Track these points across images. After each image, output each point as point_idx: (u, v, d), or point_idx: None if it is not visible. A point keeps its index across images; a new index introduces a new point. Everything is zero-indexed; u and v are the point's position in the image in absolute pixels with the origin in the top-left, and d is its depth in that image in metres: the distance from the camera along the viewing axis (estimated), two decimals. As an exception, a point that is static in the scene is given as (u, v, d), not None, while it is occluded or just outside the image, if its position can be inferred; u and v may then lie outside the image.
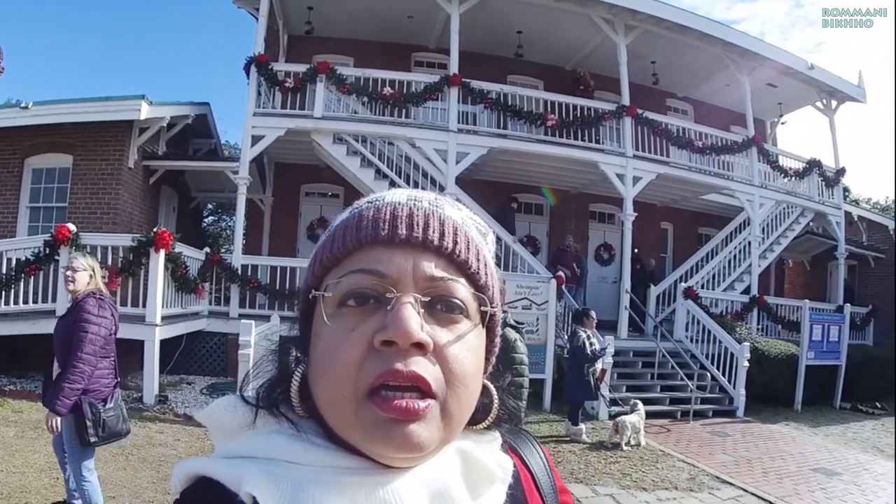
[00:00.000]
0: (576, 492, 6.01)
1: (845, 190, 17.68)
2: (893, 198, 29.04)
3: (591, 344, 8.30)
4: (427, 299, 0.62)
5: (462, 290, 0.64)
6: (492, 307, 0.68)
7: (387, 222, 0.64)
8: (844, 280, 16.54)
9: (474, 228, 0.71)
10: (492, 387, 0.74)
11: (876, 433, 10.13)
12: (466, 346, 0.63)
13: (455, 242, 0.65)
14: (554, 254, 13.45)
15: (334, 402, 0.60)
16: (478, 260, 0.67)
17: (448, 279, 0.63)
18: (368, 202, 0.69)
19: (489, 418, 0.73)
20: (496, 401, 0.74)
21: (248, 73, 11.62)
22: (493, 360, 0.73)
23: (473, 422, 0.70)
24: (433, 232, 0.64)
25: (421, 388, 0.59)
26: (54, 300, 8.44)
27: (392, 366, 0.58)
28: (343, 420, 0.60)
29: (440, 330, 0.62)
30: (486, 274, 0.68)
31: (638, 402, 8.46)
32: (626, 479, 6.60)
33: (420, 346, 0.59)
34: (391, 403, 0.57)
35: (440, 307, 0.63)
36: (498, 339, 0.74)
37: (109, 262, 8.74)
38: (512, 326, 6.00)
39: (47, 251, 8.46)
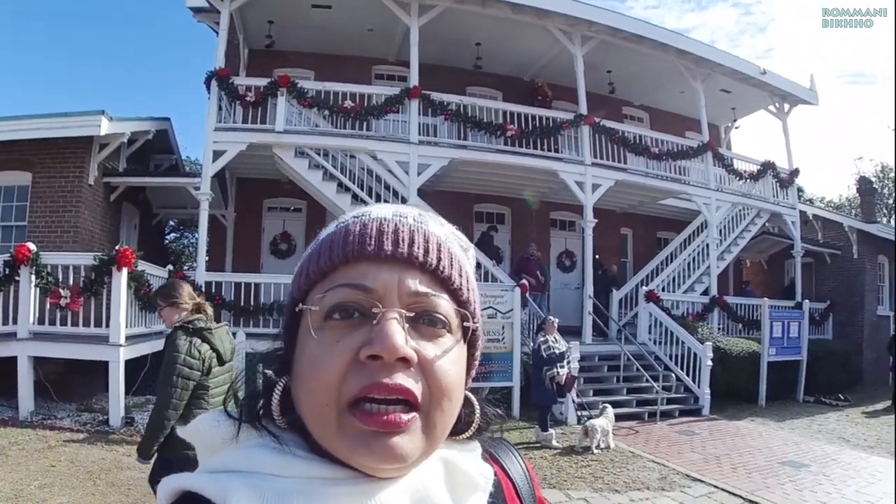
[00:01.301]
0: (549, 497, 6.03)
1: (799, 190, 18.15)
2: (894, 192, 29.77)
3: (548, 348, 8.39)
4: (412, 314, 0.63)
5: (445, 305, 0.66)
6: (473, 323, 0.69)
7: (373, 238, 0.65)
8: (791, 278, 17.07)
9: (457, 244, 0.72)
10: (473, 398, 0.76)
11: (840, 424, 10.42)
12: (450, 360, 0.64)
13: (439, 259, 0.66)
14: (517, 262, 13.54)
15: (317, 412, 0.61)
16: (460, 276, 0.69)
17: (432, 295, 0.65)
18: (355, 217, 0.70)
19: (471, 428, 0.75)
20: (477, 410, 0.76)
21: (208, 88, 11.49)
22: (474, 372, 0.75)
23: (456, 432, 0.72)
24: (418, 248, 0.65)
25: (407, 401, 0.60)
26: (15, 322, 8.26)
27: (377, 379, 0.59)
28: (326, 431, 0.61)
29: (424, 344, 0.63)
30: (467, 290, 0.69)
31: (607, 405, 8.57)
32: (599, 481, 6.68)
33: (405, 361, 0.60)
34: (373, 417, 0.59)
35: (424, 322, 0.64)
36: (479, 354, 0.75)
37: (71, 281, 8.59)
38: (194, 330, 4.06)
39: (7, 272, 8.26)
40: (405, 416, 0.60)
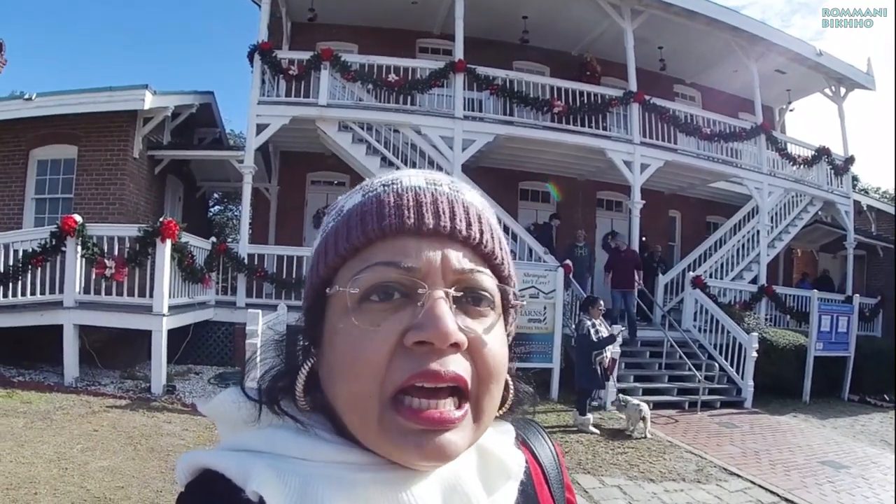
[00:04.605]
0: (583, 483, 6.02)
1: (854, 178, 17.57)
2: (894, 190, 28.86)
3: (596, 332, 8.27)
4: (459, 294, 0.59)
5: (489, 281, 0.62)
6: (516, 298, 0.66)
7: (412, 209, 0.60)
8: (825, 270, 16.55)
9: (491, 212, 0.68)
10: (507, 375, 0.70)
11: (884, 426, 10.08)
12: (497, 340, 0.61)
13: (482, 232, 0.62)
14: (612, 253, 12.72)
15: (356, 405, 0.57)
16: (501, 249, 0.65)
17: (476, 271, 0.61)
18: (384, 185, 0.64)
19: (505, 405, 0.71)
20: (511, 388, 0.71)
21: (251, 62, 11.55)
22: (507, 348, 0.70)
23: None
24: (460, 221, 0.61)
25: (459, 388, 0.57)
26: (61, 291, 8.46)
27: (427, 366, 0.55)
28: (366, 426, 0.57)
29: (471, 323, 0.59)
30: (508, 263, 0.66)
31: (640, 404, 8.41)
32: (634, 469, 6.59)
33: (455, 345, 0.56)
34: (421, 415, 0.55)
35: (468, 300, 0.60)
36: (513, 328, 0.71)
37: (116, 252, 8.75)
38: None
39: (54, 242, 8.43)
40: (458, 413, 0.56)
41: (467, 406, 0.57)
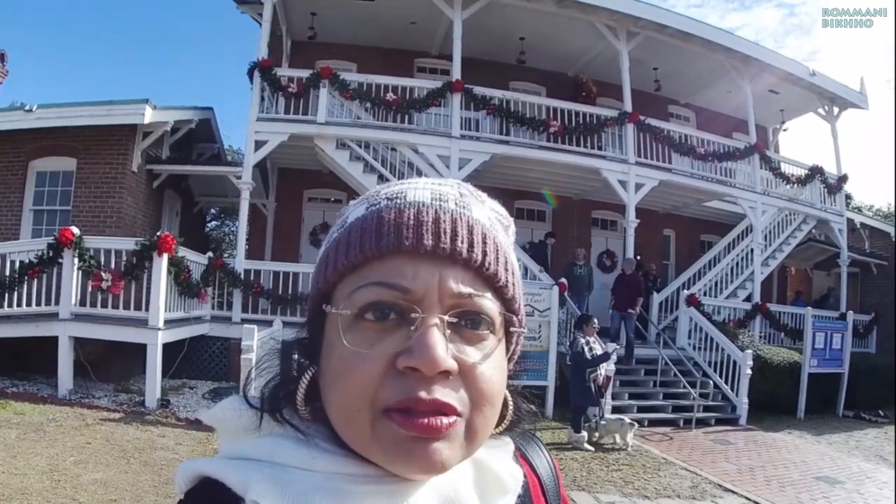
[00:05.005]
0: (578, 499, 6.00)
1: (847, 197, 17.64)
2: (894, 205, 28.98)
3: (590, 349, 8.28)
4: (454, 320, 0.58)
5: (489, 305, 0.60)
6: (519, 325, 0.65)
7: (411, 229, 0.59)
8: (829, 287, 16.55)
9: (500, 227, 0.67)
10: (508, 394, 0.69)
11: (879, 441, 10.09)
12: (493, 365, 0.60)
13: (484, 254, 0.60)
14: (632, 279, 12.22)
15: (349, 418, 0.57)
16: (506, 270, 0.63)
17: (475, 295, 0.59)
18: (389, 199, 0.63)
19: (504, 423, 0.70)
20: (511, 405, 0.70)
21: (251, 79, 11.65)
22: (513, 365, 0.70)
23: None
24: (461, 242, 0.59)
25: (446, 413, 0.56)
26: (57, 303, 8.45)
27: (415, 393, 0.54)
28: (360, 437, 0.57)
29: (466, 348, 0.58)
30: (513, 285, 0.63)
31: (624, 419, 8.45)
32: (629, 486, 6.57)
33: (445, 372, 0.55)
34: (413, 421, 0.54)
35: (465, 324, 0.59)
36: (518, 348, 0.70)
37: (113, 265, 8.76)
38: None
39: (51, 254, 8.45)
40: (446, 420, 0.55)
41: (455, 418, 0.56)
